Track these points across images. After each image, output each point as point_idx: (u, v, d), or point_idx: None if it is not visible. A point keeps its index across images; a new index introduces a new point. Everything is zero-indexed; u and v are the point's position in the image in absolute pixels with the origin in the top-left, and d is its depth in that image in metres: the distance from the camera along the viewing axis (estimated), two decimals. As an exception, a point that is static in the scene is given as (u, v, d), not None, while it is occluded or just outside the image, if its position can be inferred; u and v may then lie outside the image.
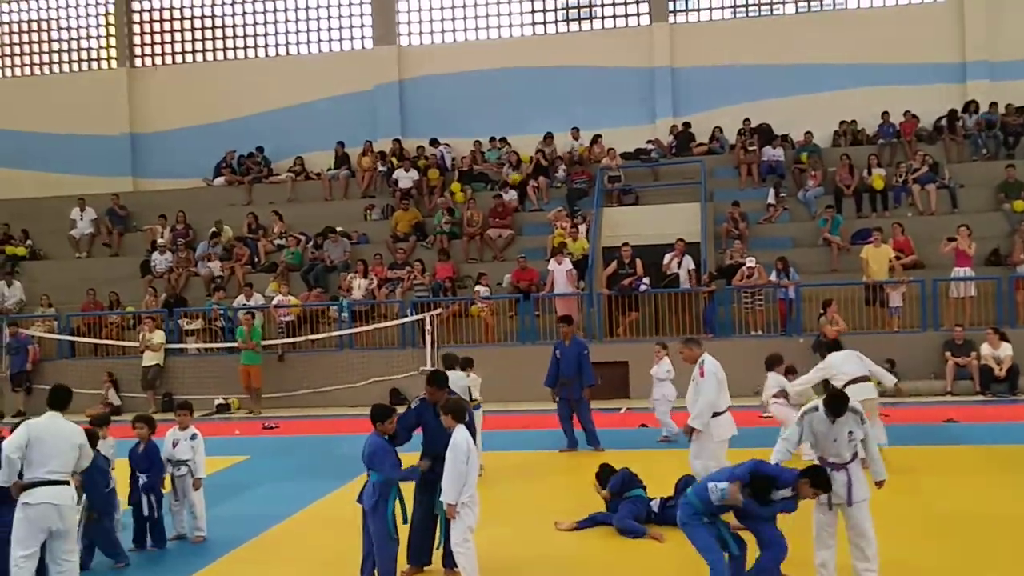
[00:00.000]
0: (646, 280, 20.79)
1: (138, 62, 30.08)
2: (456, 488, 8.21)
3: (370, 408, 8.76)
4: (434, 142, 27.10)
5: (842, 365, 12.59)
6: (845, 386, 12.21)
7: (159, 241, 25.68)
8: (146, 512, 10.26)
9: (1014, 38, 25.37)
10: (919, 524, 10.09)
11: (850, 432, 8.14)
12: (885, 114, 25.12)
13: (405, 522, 8.76)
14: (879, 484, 8.37)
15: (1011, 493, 11.27)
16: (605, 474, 10.93)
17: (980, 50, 25.54)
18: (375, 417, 8.64)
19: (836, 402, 8.17)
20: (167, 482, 10.54)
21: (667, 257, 21.07)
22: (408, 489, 8.90)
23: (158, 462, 10.35)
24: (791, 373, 13.60)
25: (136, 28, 30.22)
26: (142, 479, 10.23)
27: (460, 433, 8.36)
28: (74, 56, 30.57)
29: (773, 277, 20.33)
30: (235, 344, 21.35)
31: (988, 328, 18.89)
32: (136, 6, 30.27)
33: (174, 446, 10.59)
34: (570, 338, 14.94)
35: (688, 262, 20.75)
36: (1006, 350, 18.49)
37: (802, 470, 8.05)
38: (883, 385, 13.17)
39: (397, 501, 8.58)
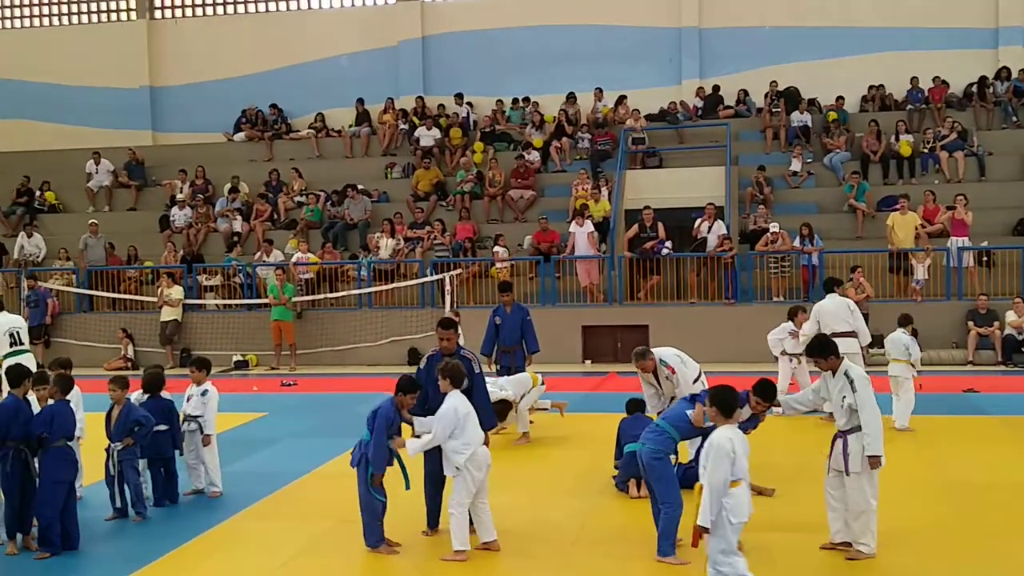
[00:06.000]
0: (668, 243, 20.60)
1: (158, 14, 29.77)
2: (418, 446, 8.26)
3: (399, 378, 8.55)
4: (459, 97, 26.84)
5: (829, 317, 12.96)
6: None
7: (178, 196, 25.56)
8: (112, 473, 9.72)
9: (1049, 3, 24.82)
10: (933, 492, 9.95)
11: (843, 396, 7.77)
12: (914, 79, 24.64)
13: (407, 488, 8.61)
14: (871, 459, 7.73)
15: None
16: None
17: (1013, 15, 24.95)
18: (402, 388, 8.45)
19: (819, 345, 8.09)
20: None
21: (697, 221, 20.82)
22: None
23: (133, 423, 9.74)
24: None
25: (157, -20, 29.95)
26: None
27: (451, 399, 8.22)
28: (94, 7, 30.21)
29: (797, 243, 20.10)
30: (254, 300, 21.45)
31: (1016, 297, 18.64)
32: (157, -42, 29.98)
33: (188, 401, 10.61)
34: (511, 305, 14.25)
35: (719, 227, 20.42)
36: (1030, 320, 18.27)
37: (753, 385, 7.86)
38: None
39: (397, 462, 8.52)
